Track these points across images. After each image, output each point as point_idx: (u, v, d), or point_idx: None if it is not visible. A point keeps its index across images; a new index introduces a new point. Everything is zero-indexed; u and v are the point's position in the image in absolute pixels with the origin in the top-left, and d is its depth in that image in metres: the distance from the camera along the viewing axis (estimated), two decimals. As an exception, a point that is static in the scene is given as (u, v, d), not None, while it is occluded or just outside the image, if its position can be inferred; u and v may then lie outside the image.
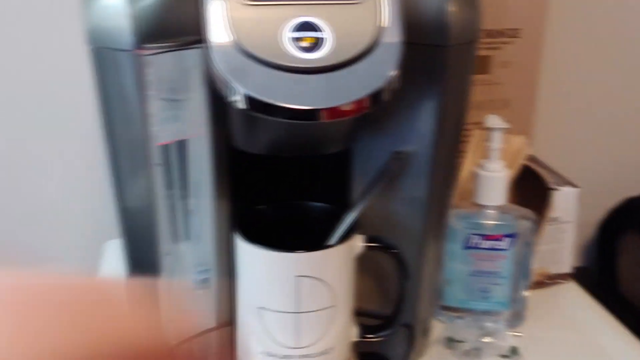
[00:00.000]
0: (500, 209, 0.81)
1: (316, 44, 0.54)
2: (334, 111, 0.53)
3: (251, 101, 0.53)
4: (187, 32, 0.58)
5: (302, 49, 0.53)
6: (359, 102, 0.53)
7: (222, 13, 0.54)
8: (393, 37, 0.55)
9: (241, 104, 0.53)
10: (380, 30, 0.55)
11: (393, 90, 0.55)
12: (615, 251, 1.21)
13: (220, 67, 0.53)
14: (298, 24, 0.54)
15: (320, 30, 0.54)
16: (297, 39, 0.54)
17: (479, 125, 0.93)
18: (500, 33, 0.99)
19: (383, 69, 0.55)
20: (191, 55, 0.60)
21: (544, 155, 1.04)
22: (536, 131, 1.05)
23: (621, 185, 1.14)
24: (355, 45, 0.54)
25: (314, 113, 0.52)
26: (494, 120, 0.79)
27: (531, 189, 1.01)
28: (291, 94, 0.52)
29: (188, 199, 0.67)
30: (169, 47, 0.59)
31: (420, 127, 0.67)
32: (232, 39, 0.53)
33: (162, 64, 0.60)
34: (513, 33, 0.99)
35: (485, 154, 0.81)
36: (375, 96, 0.54)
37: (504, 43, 1.00)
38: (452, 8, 0.61)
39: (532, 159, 1.03)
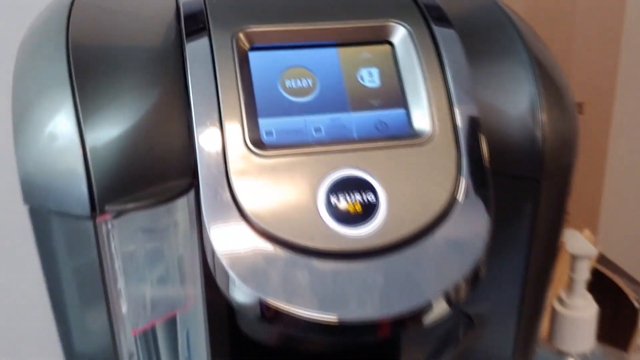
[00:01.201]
0: (587, 355, 0.62)
1: (365, 213, 0.35)
2: (397, 323, 0.34)
3: (265, 309, 0.34)
4: (171, 176, 0.40)
5: (344, 220, 0.35)
6: (435, 304, 0.35)
7: (219, 166, 0.35)
8: (477, 191, 0.37)
9: (250, 310, 0.35)
10: (457, 184, 0.37)
11: (482, 277, 0.37)
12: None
13: (219, 252, 0.35)
14: (338, 182, 0.36)
15: (372, 191, 0.36)
16: (337, 205, 0.35)
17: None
18: (560, 108, 0.81)
19: (467, 245, 0.36)
20: (179, 206, 0.42)
21: (611, 253, 0.85)
22: (602, 224, 0.87)
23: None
24: (421, 213, 0.36)
25: (364, 329, 0.34)
26: (578, 243, 0.60)
27: (605, 299, 0.82)
28: (328, 296, 0.34)
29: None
30: (147, 203, 0.40)
31: (500, 280, 0.48)
32: (235, 208, 0.35)
33: (135, 224, 0.42)
34: (576, 109, 0.81)
35: (566, 284, 0.62)
36: (459, 290, 0.36)
37: (566, 120, 0.82)
38: (546, 124, 0.43)
39: (602, 259, 0.84)
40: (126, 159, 0.38)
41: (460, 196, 0.36)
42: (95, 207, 0.38)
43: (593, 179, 0.87)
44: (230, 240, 0.35)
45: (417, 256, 0.35)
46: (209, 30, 0.39)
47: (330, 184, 0.35)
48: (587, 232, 0.82)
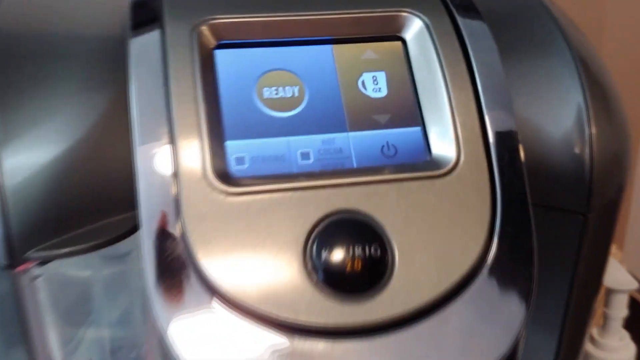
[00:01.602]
0: (622, 403, 0.53)
1: (369, 273, 0.26)
2: None
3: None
4: (116, 209, 0.30)
5: (341, 284, 0.26)
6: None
7: (169, 207, 0.26)
8: (516, 242, 0.28)
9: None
10: (491, 233, 0.27)
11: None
12: None
13: (170, 329, 0.25)
14: (332, 229, 0.26)
15: (378, 242, 0.26)
16: (330, 263, 0.26)
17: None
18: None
19: (501, 317, 0.27)
20: (121, 248, 0.33)
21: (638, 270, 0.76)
22: (629, 239, 0.78)
23: None
24: (444, 274, 0.26)
25: None
26: (616, 274, 0.51)
27: (632, 326, 0.73)
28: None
29: None
30: (83, 247, 0.31)
31: (536, 323, 0.40)
32: (191, 267, 0.26)
33: (65, 274, 0.33)
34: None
35: (599, 321, 0.53)
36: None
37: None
38: (595, 143, 0.34)
39: None
40: (56, 190, 0.29)
41: (494, 251, 0.27)
42: (14, 254, 0.29)
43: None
44: (184, 310, 0.25)
45: (437, 333, 0.26)
46: (163, 21, 0.29)
47: (321, 233, 0.26)
48: (612, 247, 0.72)
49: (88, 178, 0.30)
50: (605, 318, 0.52)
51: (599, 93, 0.36)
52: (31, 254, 0.30)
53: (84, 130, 0.30)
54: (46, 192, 0.29)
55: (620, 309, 0.51)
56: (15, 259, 0.29)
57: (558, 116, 0.35)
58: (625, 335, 0.53)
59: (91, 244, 0.31)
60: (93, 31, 0.33)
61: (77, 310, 0.42)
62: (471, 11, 0.32)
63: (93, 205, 0.30)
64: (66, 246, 0.31)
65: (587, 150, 0.34)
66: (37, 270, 0.32)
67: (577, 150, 0.34)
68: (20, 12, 0.34)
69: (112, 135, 0.30)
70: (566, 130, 0.34)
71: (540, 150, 0.34)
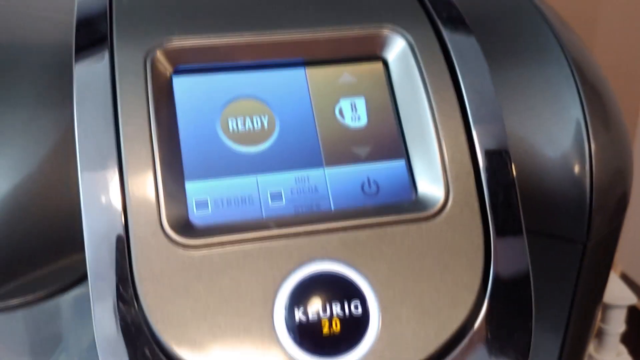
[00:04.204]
0: (619, 420, 0.51)
1: (348, 334, 0.23)
2: None
3: None
4: (70, 249, 0.27)
5: (316, 347, 0.23)
6: None
7: (117, 263, 0.23)
8: (513, 292, 0.25)
9: None
10: (484, 284, 0.25)
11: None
12: None
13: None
14: (306, 285, 0.23)
15: (359, 299, 0.23)
16: (304, 324, 0.23)
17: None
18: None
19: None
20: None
21: (634, 272, 0.74)
22: (623, 238, 0.75)
23: None
24: (433, 333, 0.23)
25: None
26: (613, 288, 0.49)
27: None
28: None
29: None
30: (32, 298, 0.28)
31: (541, 338, 0.37)
32: (146, 331, 0.23)
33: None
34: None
35: (594, 335, 0.51)
36: None
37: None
38: (596, 166, 0.31)
39: (623, 278, 0.73)
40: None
41: (487, 302, 0.24)
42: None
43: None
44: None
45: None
46: (112, 44, 0.26)
47: (293, 290, 0.23)
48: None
49: (38, 216, 0.27)
50: (602, 333, 0.50)
51: (598, 105, 0.33)
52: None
53: (30, 165, 0.26)
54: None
55: (617, 325, 0.49)
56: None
57: (555, 133, 0.32)
58: (623, 351, 0.50)
59: (41, 291, 0.28)
60: (41, 55, 0.29)
61: (46, 337, 0.39)
62: (459, 25, 0.28)
63: (43, 247, 0.27)
64: (16, 296, 0.28)
65: (587, 171, 0.31)
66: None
67: (576, 171, 0.31)
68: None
69: (64, 170, 0.27)
70: (564, 149, 0.32)
71: (536, 173, 0.31)
